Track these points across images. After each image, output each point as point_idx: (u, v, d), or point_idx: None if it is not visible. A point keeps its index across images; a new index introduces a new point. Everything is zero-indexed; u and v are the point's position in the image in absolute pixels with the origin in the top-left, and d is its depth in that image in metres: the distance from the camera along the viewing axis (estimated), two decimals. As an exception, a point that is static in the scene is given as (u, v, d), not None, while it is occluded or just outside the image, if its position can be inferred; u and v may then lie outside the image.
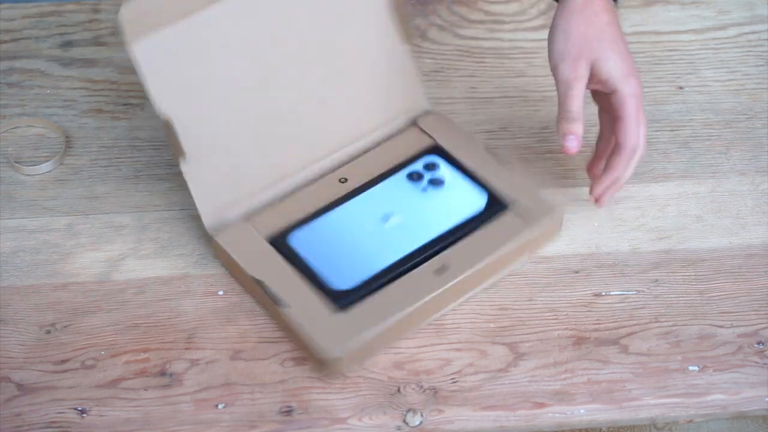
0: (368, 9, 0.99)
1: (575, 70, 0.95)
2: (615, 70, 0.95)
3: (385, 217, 0.97)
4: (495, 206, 0.97)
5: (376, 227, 0.97)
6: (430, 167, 1.00)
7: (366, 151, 1.02)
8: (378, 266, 0.94)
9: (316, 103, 0.99)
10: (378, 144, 1.03)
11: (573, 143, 0.96)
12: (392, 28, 1.00)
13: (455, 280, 0.93)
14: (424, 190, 0.99)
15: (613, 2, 0.98)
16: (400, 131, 1.04)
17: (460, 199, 0.98)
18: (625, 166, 0.97)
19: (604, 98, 0.99)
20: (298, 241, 0.96)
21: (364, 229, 0.96)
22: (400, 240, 0.96)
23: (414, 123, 1.04)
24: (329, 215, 0.97)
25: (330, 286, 0.93)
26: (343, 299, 0.92)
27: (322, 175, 1.00)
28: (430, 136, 1.02)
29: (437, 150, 1.01)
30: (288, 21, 0.96)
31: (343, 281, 0.93)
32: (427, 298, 0.92)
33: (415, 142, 1.02)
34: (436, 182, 0.99)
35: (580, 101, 0.96)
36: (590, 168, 1.02)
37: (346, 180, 1.00)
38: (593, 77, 0.96)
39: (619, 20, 0.98)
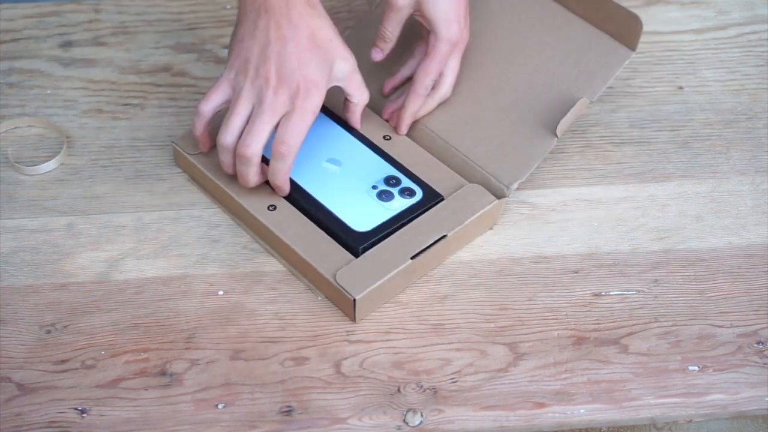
0: None
1: (408, 3, 1.01)
2: (438, 13, 1.01)
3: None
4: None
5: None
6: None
7: None
8: None
9: None
10: None
11: (378, 55, 1.05)
12: None
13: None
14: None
15: None
16: None
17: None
18: (419, 102, 1.04)
19: (426, 34, 1.04)
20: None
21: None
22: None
23: None
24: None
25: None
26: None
27: None
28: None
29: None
30: None
31: None
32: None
33: None
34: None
35: (394, 24, 1.02)
36: (384, 87, 1.08)
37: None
38: (418, 10, 1.02)
39: None
